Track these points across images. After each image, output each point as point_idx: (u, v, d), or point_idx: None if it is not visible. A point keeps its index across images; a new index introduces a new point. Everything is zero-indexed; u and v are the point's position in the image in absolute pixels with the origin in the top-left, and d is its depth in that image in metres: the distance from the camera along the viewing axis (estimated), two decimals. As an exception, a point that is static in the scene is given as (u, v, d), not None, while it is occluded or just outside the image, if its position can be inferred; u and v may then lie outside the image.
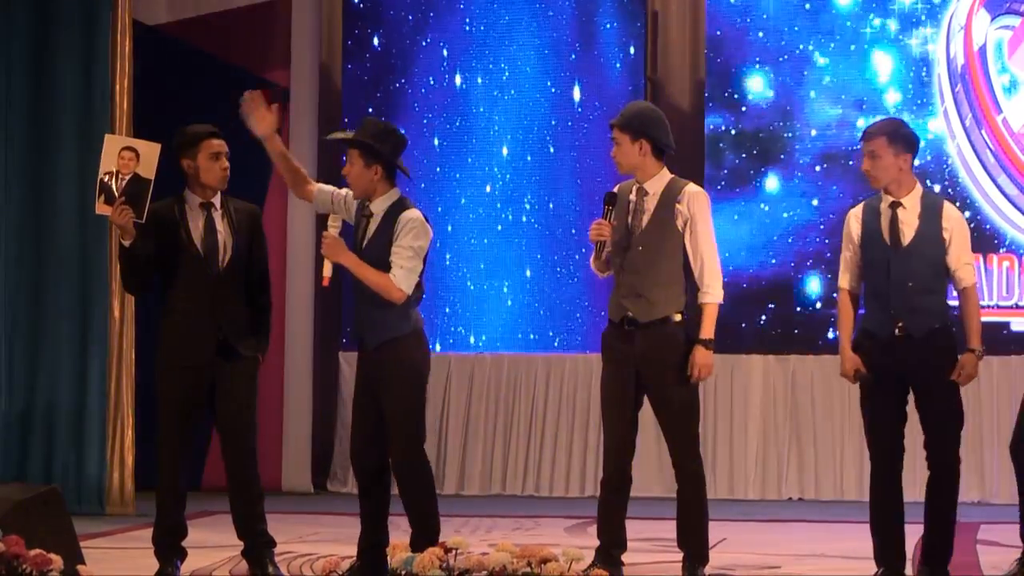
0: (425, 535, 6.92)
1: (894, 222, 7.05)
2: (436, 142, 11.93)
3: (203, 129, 7.34)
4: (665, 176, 7.20)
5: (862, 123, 11.41)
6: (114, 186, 7.16)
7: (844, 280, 7.22)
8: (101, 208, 7.18)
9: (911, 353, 7.01)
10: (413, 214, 7.05)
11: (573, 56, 11.93)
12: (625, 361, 7.15)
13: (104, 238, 9.98)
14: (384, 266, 6.98)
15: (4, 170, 10.08)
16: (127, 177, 7.17)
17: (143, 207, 7.12)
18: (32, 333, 10.09)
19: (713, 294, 7.14)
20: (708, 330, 7.11)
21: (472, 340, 11.84)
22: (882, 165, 7.03)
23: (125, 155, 7.20)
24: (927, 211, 7.03)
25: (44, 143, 10.09)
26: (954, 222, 7.04)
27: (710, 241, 7.17)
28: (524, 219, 11.91)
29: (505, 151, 12.00)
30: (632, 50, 11.80)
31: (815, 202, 11.51)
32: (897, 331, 7.02)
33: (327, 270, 7.07)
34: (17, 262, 10.09)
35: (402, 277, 6.98)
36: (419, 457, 7.10)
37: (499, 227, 11.89)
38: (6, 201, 10.08)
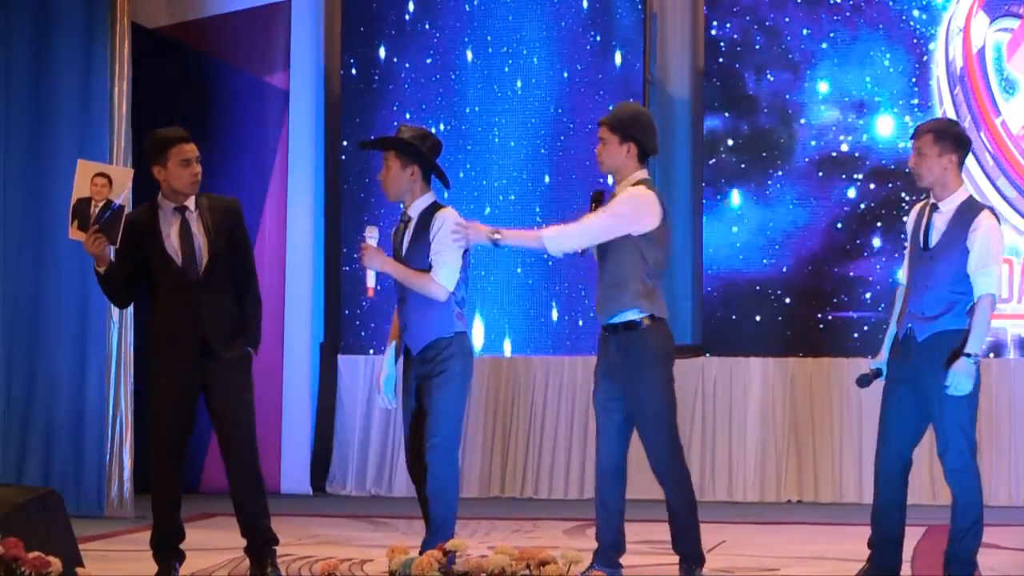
0: (437, 539, 6.92)
1: (928, 224, 7.03)
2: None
3: (173, 134, 7.30)
4: (634, 179, 7.19)
5: (861, 125, 11.46)
6: (88, 211, 7.15)
7: (901, 274, 7.22)
8: (74, 234, 7.18)
9: (916, 357, 6.98)
10: (449, 212, 7.15)
11: (578, 67, 11.83)
12: (605, 362, 7.23)
13: (103, 240, 9.99)
14: (425, 269, 7.08)
15: (3, 172, 10.08)
16: (100, 204, 7.17)
17: (116, 233, 7.12)
18: (31, 336, 10.09)
19: (552, 229, 7.11)
20: (512, 232, 7.26)
21: (471, 308, 11.81)
22: (926, 164, 6.98)
23: (98, 181, 7.19)
24: (960, 216, 6.96)
25: (43, 146, 10.10)
26: (982, 230, 6.93)
27: (599, 215, 7.09)
28: (518, 206, 11.85)
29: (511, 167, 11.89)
30: (631, 50, 11.75)
31: (814, 204, 11.50)
32: (908, 333, 7.02)
33: (371, 280, 7.11)
34: (16, 265, 10.09)
35: (442, 274, 7.06)
36: (449, 461, 7.09)
37: (494, 214, 11.85)
38: (5, 203, 10.08)
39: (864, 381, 7.20)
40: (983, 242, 6.94)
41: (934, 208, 7.03)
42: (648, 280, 7.10)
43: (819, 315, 11.47)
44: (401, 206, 7.26)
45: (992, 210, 7.11)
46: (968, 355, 6.88)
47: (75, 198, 7.18)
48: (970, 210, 7.00)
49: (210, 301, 7.22)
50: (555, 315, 11.79)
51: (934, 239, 7.00)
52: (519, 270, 11.80)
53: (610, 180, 7.58)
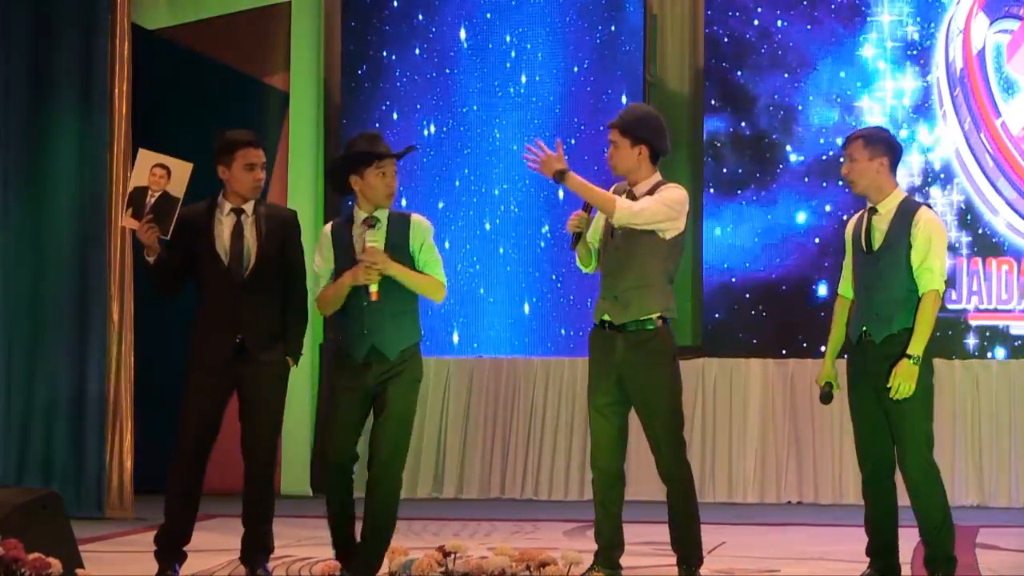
0: (379, 547, 6.90)
1: (868, 227, 7.09)
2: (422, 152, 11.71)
3: (243, 137, 7.37)
4: (653, 180, 7.21)
5: (861, 125, 11.45)
6: (143, 200, 7.22)
7: (840, 286, 7.28)
8: (127, 221, 7.29)
9: (874, 359, 7.02)
10: (421, 218, 7.12)
11: (586, 64, 11.78)
12: (606, 363, 7.18)
13: (103, 240, 10.00)
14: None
15: (4, 172, 10.09)
16: (156, 194, 7.24)
17: (169, 224, 7.22)
18: (31, 336, 10.09)
19: (621, 199, 7.07)
20: (581, 180, 7.05)
21: (471, 343, 11.81)
22: (858, 168, 7.08)
23: (157, 172, 7.28)
24: (900, 215, 7.04)
25: (43, 146, 10.10)
26: (922, 225, 6.99)
27: (656, 200, 7.08)
28: (517, 206, 11.81)
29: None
30: (630, 52, 11.73)
31: (812, 205, 11.51)
32: (862, 336, 7.05)
33: (374, 285, 7.03)
34: (16, 265, 10.09)
35: (443, 276, 7.09)
36: (403, 466, 7.06)
37: (495, 229, 11.83)
38: (5, 203, 10.08)
39: (826, 398, 7.30)
40: (924, 236, 6.99)
41: (872, 211, 7.10)
42: (669, 284, 7.17)
43: (819, 316, 11.46)
44: (359, 209, 7.08)
45: (930, 206, 7.16)
46: (909, 356, 6.90)
47: (132, 186, 7.26)
48: (909, 207, 7.08)
49: (251, 303, 7.27)
50: (555, 316, 11.78)
51: (877, 240, 7.06)
52: (525, 285, 11.76)
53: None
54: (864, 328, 7.05)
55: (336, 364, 7.22)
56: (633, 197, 7.18)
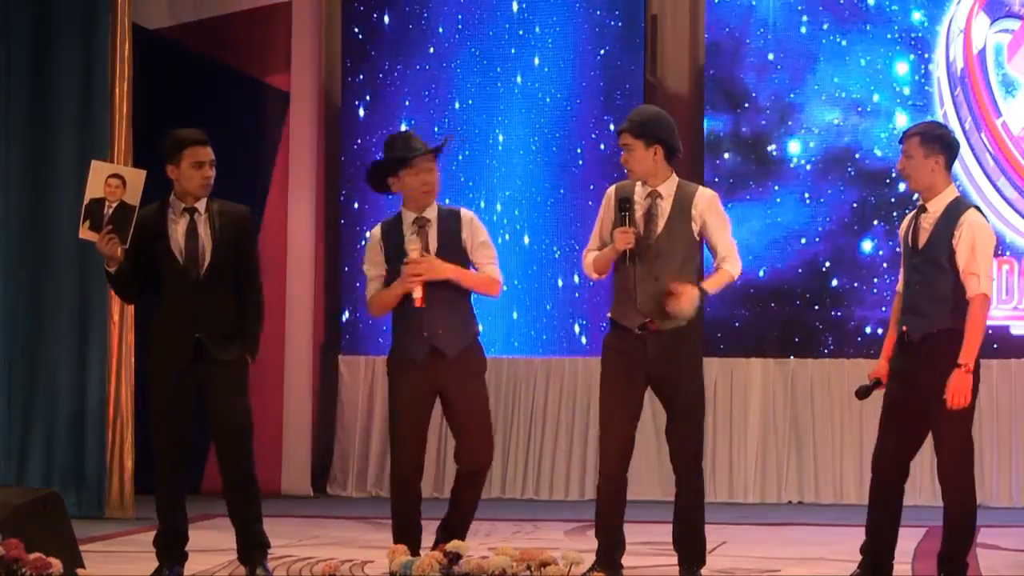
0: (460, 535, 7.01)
1: (916, 225, 7.06)
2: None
3: (189, 136, 7.35)
4: (675, 179, 7.21)
5: (861, 125, 11.46)
6: (101, 211, 7.20)
7: (899, 283, 7.24)
8: (86, 234, 7.25)
9: (912, 357, 6.99)
10: (471, 213, 7.29)
11: (603, 51, 11.74)
12: (635, 365, 7.11)
13: (104, 241, 10.01)
14: (462, 266, 7.16)
15: (4, 173, 10.09)
16: (114, 204, 7.21)
17: (127, 233, 7.19)
18: (32, 337, 10.10)
19: (733, 265, 7.27)
20: (711, 283, 7.19)
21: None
22: (913, 164, 7.03)
23: (112, 183, 7.25)
24: (946, 216, 6.98)
25: (44, 146, 10.10)
26: (967, 228, 6.92)
27: (726, 230, 7.30)
28: (523, 224, 11.82)
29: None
30: (630, 52, 11.72)
31: (814, 204, 11.51)
32: (903, 334, 7.03)
33: (418, 292, 7.06)
34: (17, 265, 10.10)
35: (499, 272, 7.25)
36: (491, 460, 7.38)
37: (499, 230, 11.81)
38: (6, 204, 10.09)
39: (864, 392, 7.21)
40: (968, 241, 6.94)
41: (922, 209, 7.08)
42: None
43: (820, 316, 11.47)
44: (406, 210, 7.19)
45: (979, 209, 7.11)
46: (960, 365, 6.87)
47: (88, 198, 7.24)
48: (957, 209, 7.02)
49: (208, 302, 7.24)
50: (555, 316, 11.78)
51: (922, 239, 7.03)
52: (516, 281, 11.71)
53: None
54: (904, 327, 7.02)
55: (396, 367, 7.26)
56: (659, 196, 7.14)
